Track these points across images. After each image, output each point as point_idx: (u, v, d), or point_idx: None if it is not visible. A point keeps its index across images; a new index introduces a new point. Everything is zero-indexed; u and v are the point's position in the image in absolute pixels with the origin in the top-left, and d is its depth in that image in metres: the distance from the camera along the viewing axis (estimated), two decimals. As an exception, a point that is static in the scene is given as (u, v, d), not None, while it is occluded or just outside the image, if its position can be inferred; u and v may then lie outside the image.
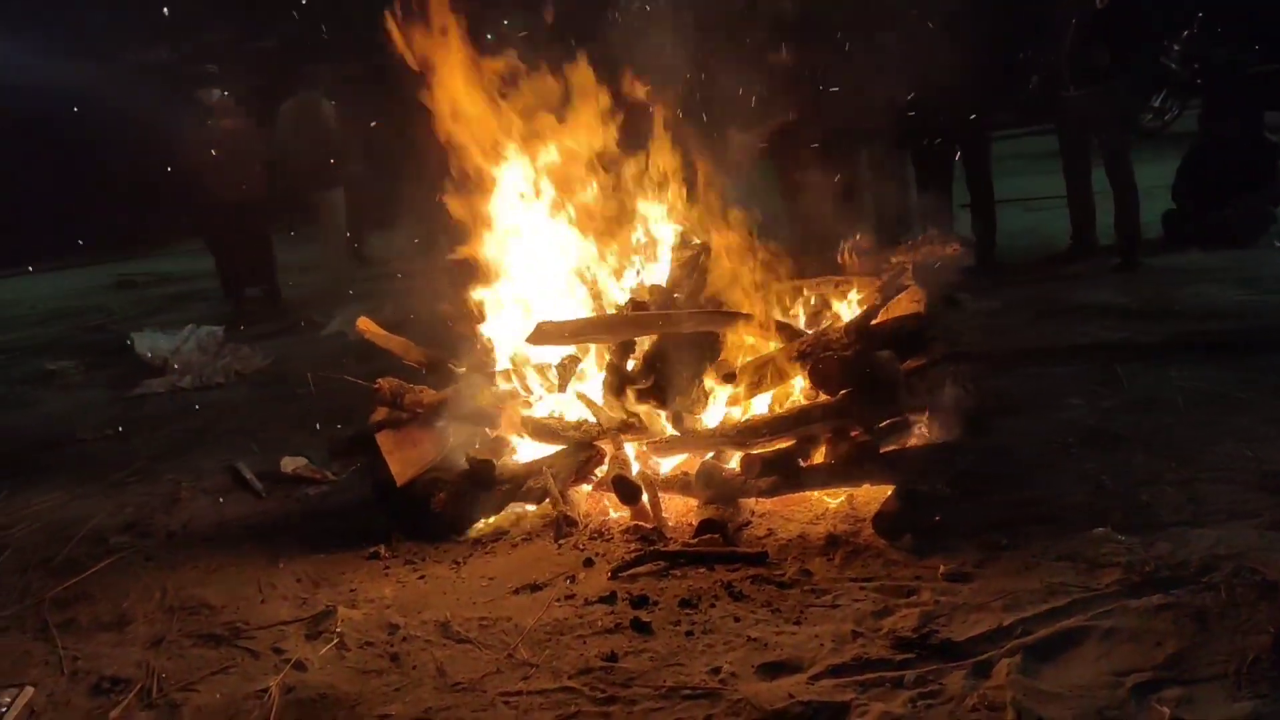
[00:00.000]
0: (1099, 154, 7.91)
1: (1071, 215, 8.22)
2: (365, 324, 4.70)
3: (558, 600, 3.65)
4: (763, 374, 4.38)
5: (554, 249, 4.69)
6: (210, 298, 11.14)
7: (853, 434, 4.07)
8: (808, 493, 4.17)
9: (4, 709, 3.23)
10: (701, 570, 3.73)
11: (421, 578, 3.99)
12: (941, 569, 3.55)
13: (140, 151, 13.50)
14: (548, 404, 4.57)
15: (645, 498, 4.08)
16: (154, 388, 7.51)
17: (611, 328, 4.45)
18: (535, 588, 3.77)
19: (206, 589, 4.08)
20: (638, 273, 4.77)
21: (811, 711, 2.88)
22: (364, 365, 6.80)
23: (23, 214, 15.82)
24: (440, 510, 4.22)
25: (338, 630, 3.58)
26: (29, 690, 3.37)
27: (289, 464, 5.32)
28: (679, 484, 4.23)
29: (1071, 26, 7.42)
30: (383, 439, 4.26)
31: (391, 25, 4.53)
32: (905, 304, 4.55)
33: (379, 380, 4.44)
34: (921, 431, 4.36)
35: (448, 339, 5.15)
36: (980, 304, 6.83)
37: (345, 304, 8.33)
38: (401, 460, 4.26)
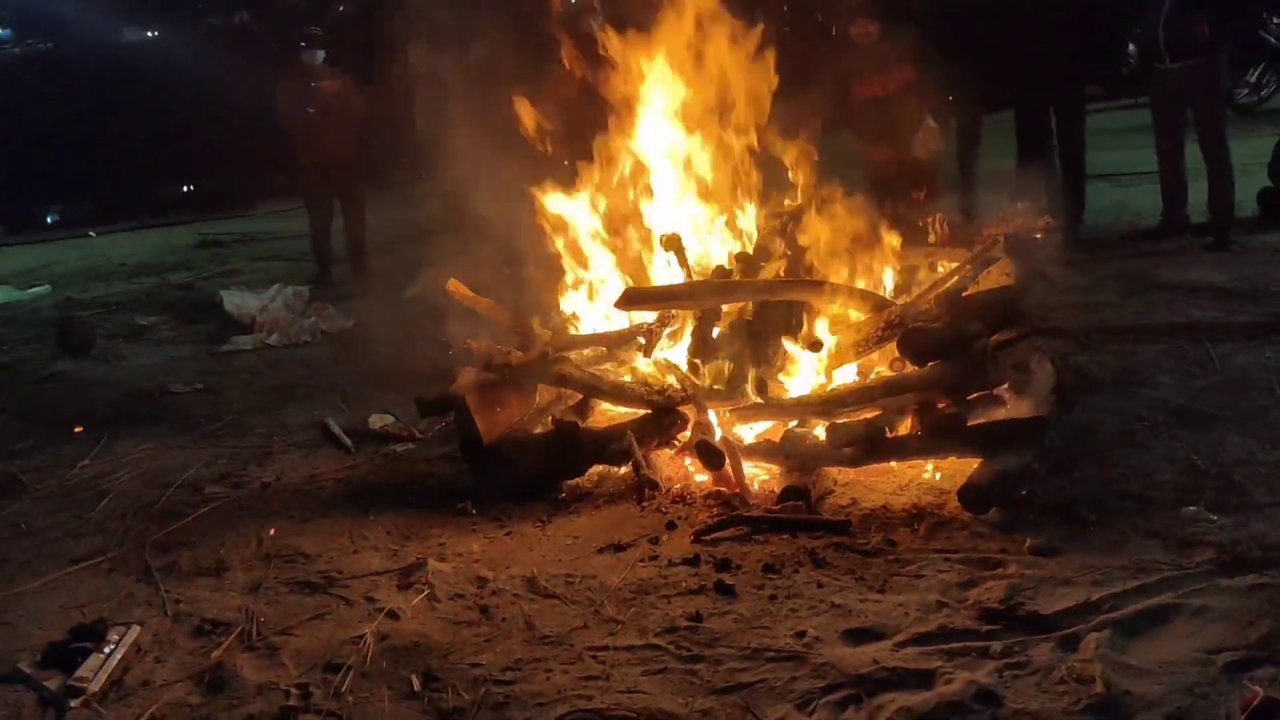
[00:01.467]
0: (1192, 129, 7.71)
1: (1162, 191, 8.03)
2: (455, 286, 4.77)
3: (641, 560, 3.71)
4: (850, 343, 4.37)
5: (645, 212, 4.73)
6: (292, 258, 11.34)
7: (940, 406, 4.06)
8: (891, 464, 4.18)
9: (114, 645, 3.38)
10: (784, 536, 3.76)
11: (508, 534, 4.08)
12: (1028, 543, 3.53)
13: (226, 112, 13.83)
14: (634, 368, 4.62)
15: (728, 463, 4.11)
16: (242, 344, 7.70)
17: (697, 294, 4.48)
18: (619, 548, 3.83)
19: (300, 539, 4.21)
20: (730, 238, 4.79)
21: (897, 677, 2.90)
22: (446, 327, 6.94)
23: (110, 174, 16.31)
24: (526, 470, 4.30)
25: (428, 582, 3.68)
26: (136, 629, 3.51)
27: (377, 421, 5.44)
28: (762, 451, 4.26)
29: (1168, -4, 7.22)
30: (471, 398, 4.34)
31: None
32: (996, 277, 4.50)
33: (468, 340, 4.51)
34: (1009, 406, 4.32)
35: (535, 302, 5.23)
36: (1068, 280, 6.72)
37: (428, 267, 8.43)
38: (489, 419, 4.34)
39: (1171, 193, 7.90)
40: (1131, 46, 7.50)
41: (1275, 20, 12.63)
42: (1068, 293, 6.56)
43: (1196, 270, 6.94)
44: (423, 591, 3.63)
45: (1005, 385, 4.24)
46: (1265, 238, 7.57)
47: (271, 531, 4.27)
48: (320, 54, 9.44)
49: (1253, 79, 13.03)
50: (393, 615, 3.49)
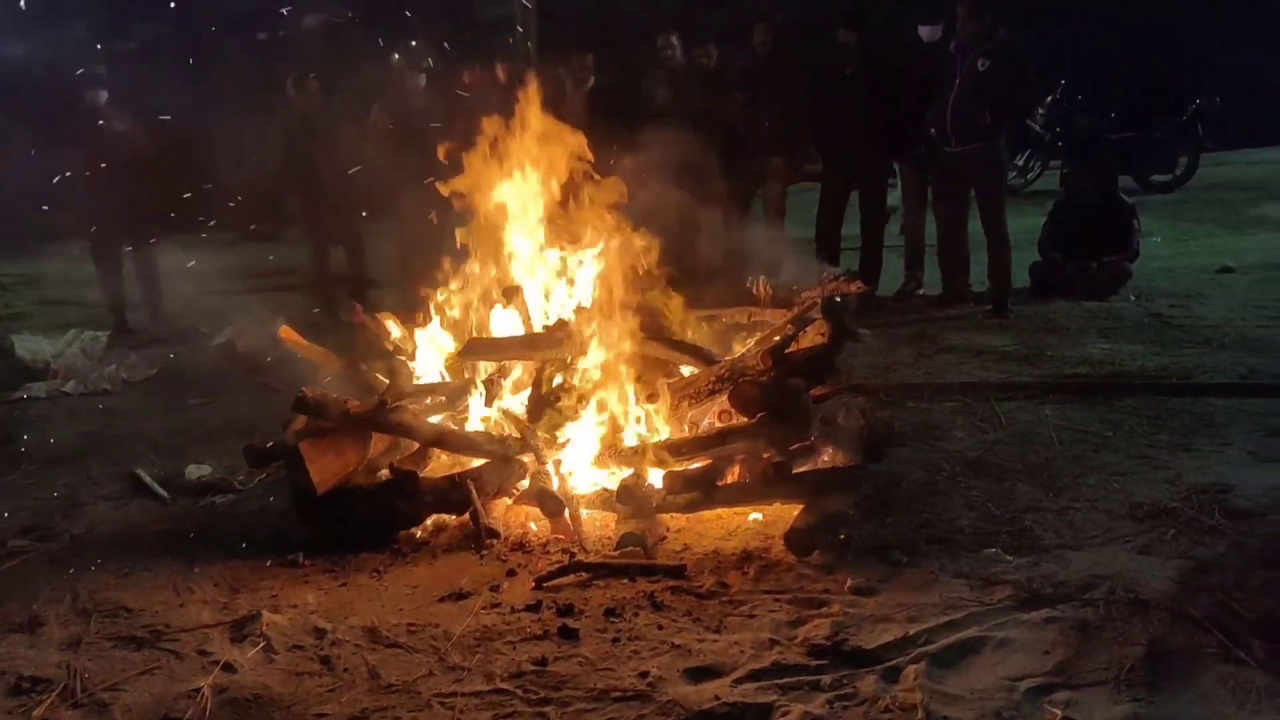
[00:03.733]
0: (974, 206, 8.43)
1: (943, 263, 8.69)
2: (287, 332, 4.72)
3: (484, 608, 3.76)
4: (683, 396, 4.58)
5: (487, 264, 4.83)
6: (83, 304, 10.72)
7: (765, 455, 4.30)
8: (718, 511, 4.39)
9: (-81, 707, 3.17)
10: (623, 581, 3.89)
11: (343, 585, 4.04)
12: (848, 583, 3.80)
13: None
14: (472, 418, 4.68)
15: (567, 512, 4.22)
16: (35, 392, 7.26)
17: (534, 346, 4.60)
18: (460, 595, 3.87)
19: (121, 592, 4.04)
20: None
21: (737, 712, 3.07)
22: (253, 377, 6.84)
23: None
24: (361, 520, 4.28)
25: (263, 634, 3.61)
26: (-56, 688, 3.30)
27: (194, 471, 5.27)
28: (598, 500, 4.39)
29: (955, 86, 7.90)
30: (305, 447, 4.28)
31: None
32: (812, 336, 4.82)
33: (303, 389, 4.46)
34: (825, 456, 4.61)
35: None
36: (867, 342, 7.19)
37: (232, 315, 8.22)
38: (323, 469, 4.29)
39: (955, 264, 8.58)
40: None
41: (1040, 111, 13.97)
42: (866, 353, 7.03)
43: (980, 336, 7.58)
44: (259, 644, 3.56)
45: (824, 436, 4.53)
46: (1037, 308, 8.34)
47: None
48: (104, 93, 9.03)
49: (1020, 163, 14.33)
50: (229, 668, 3.41)
